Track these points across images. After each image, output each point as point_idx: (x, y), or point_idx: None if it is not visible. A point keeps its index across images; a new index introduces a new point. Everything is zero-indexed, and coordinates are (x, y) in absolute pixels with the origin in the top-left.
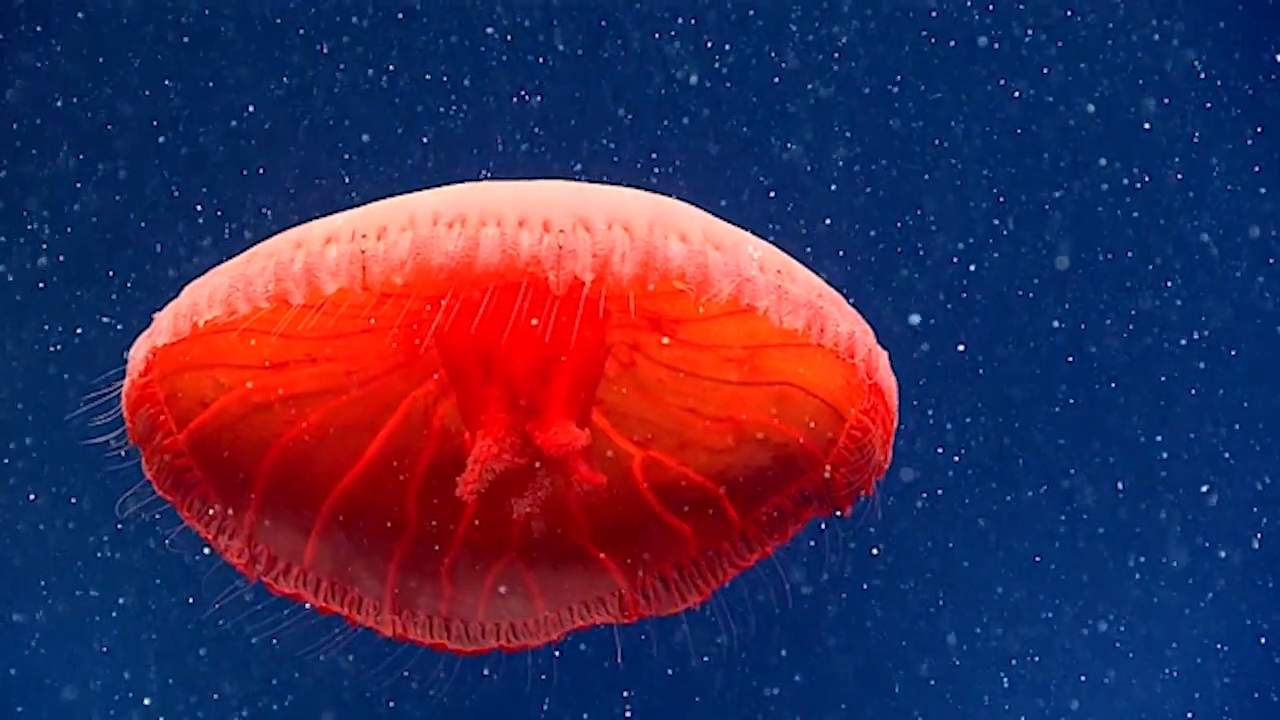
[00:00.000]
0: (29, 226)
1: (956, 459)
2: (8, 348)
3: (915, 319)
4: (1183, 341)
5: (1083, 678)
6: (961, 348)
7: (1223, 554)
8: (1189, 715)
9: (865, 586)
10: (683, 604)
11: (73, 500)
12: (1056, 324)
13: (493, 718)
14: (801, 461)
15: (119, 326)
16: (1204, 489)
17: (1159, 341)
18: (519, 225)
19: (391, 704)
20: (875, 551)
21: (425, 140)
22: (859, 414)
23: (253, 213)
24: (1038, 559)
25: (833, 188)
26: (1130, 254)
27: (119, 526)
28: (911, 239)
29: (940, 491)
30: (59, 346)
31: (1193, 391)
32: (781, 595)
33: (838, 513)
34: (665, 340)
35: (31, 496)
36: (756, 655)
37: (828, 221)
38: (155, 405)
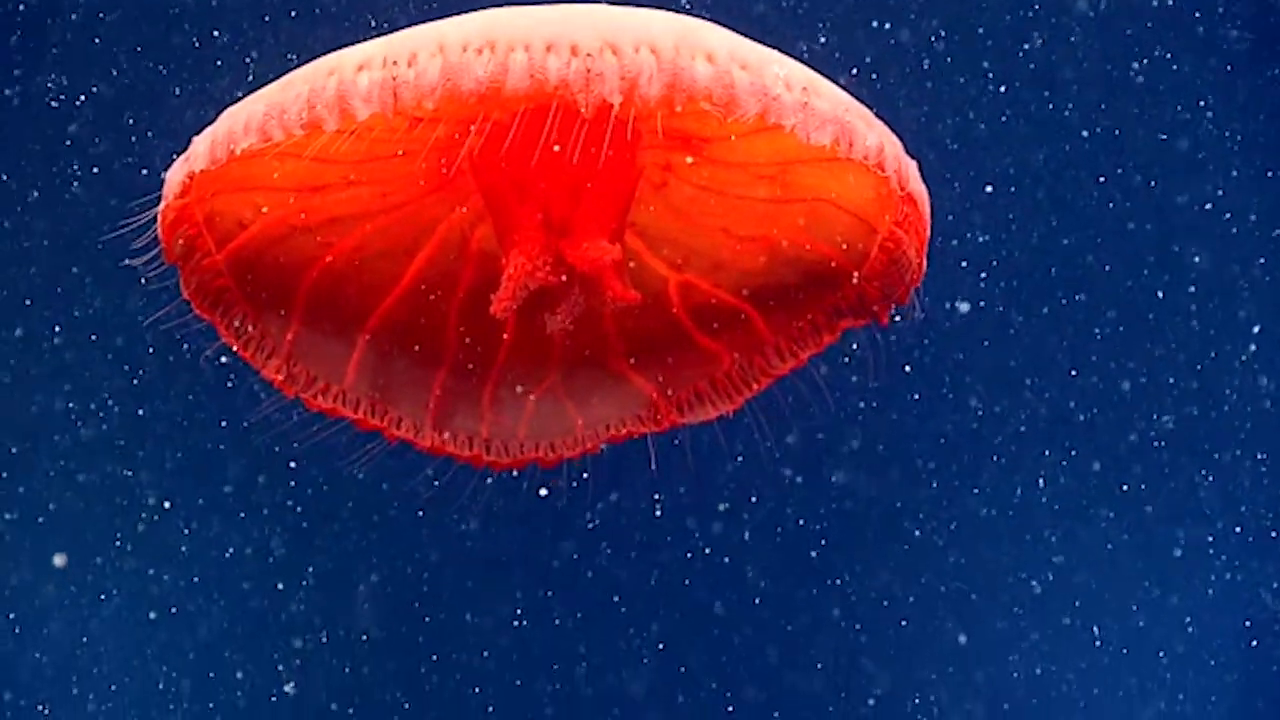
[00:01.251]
0: (50, 79)
1: (980, 285)
2: (31, 180)
3: (949, 141)
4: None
5: (1125, 535)
6: (993, 178)
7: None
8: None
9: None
10: (715, 412)
11: (94, 336)
12: (1086, 132)
13: (528, 521)
14: (835, 277)
15: (144, 170)
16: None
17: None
18: (547, 50)
19: (422, 513)
20: (908, 368)
21: None
22: (892, 225)
23: (276, 56)
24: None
25: (874, 23)
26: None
27: (151, 350)
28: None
29: (986, 304)
30: (77, 182)
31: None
32: (816, 395)
33: (875, 323)
34: (690, 160)
35: (56, 327)
36: (789, 461)
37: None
38: (194, 226)
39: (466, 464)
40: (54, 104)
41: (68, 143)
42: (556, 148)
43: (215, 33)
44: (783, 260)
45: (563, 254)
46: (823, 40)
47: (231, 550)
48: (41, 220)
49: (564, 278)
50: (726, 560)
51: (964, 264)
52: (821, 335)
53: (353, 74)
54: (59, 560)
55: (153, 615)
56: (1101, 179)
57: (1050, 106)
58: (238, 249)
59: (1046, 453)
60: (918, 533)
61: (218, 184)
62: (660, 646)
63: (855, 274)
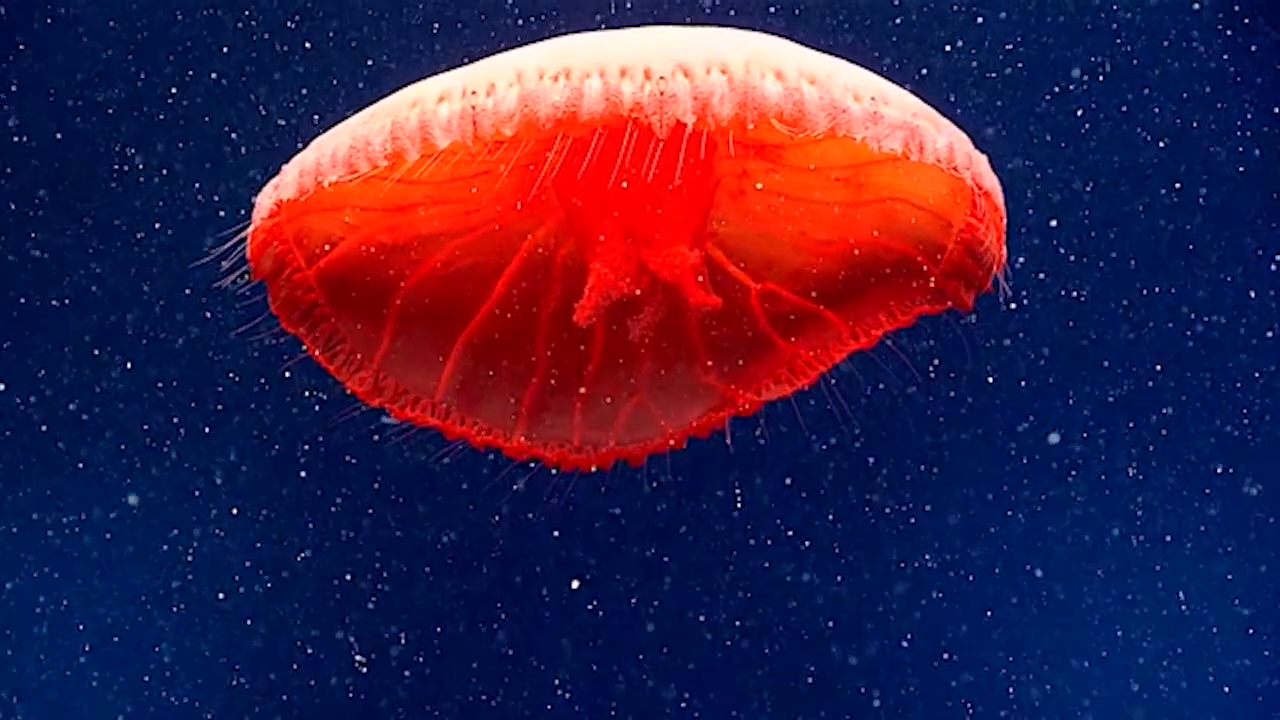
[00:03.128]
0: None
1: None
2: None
3: (1026, 161)
4: None
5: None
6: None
7: None
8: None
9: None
10: (790, 390)
11: (185, 335)
12: (1164, 142)
13: (607, 515)
14: (913, 271)
15: (223, 210)
16: None
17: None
18: (621, 75)
19: (497, 518)
20: (990, 368)
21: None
22: (967, 219)
23: (357, 91)
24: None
25: (954, 38)
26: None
27: (230, 374)
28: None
29: (1077, 293)
30: (169, 231)
31: None
32: (906, 376)
33: (958, 310)
34: (759, 186)
35: (144, 355)
36: (872, 437)
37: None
38: (283, 243)
39: (553, 465)
40: (130, 142)
41: (136, 155)
42: (633, 166)
43: (301, 54)
44: (861, 260)
45: (645, 263)
46: (892, 42)
47: (308, 553)
48: (126, 243)
49: (646, 287)
50: (808, 544)
51: (1020, 261)
52: (898, 321)
53: (434, 105)
54: (135, 561)
55: (224, 601)
56: (1177, 184)
57: (1125, 108)
58: (327, 266)
59: (1131, 424)
60: (1009, 513)
61: (306, 205)
62: (738, 624)
63: (933, 268)
